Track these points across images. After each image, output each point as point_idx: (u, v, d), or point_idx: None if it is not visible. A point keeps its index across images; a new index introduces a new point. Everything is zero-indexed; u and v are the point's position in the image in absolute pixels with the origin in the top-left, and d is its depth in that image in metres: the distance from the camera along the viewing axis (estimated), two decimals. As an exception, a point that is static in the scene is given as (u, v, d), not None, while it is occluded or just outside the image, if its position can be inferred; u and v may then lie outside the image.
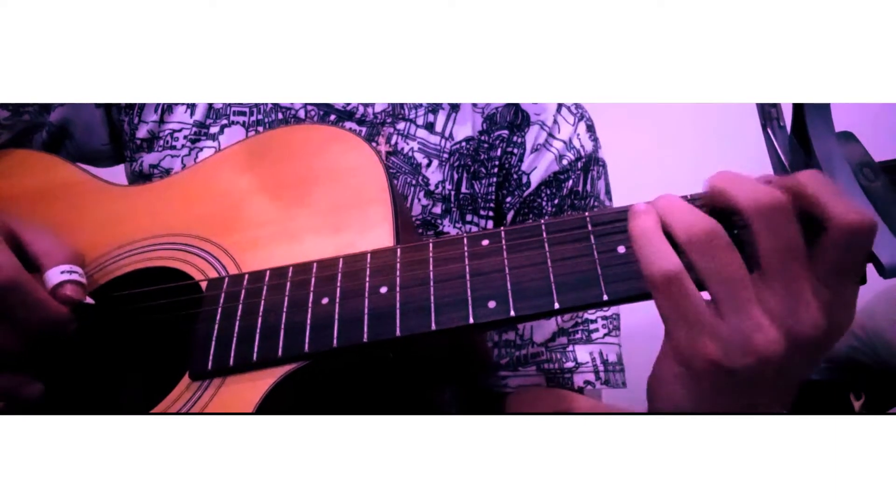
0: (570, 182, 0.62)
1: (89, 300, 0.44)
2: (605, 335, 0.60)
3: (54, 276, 0.42)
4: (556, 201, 0.61)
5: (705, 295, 0.32)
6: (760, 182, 0.32)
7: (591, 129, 0.65)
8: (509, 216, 0.62)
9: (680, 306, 0.32)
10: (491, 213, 0.61)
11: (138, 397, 0.50)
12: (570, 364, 0.59)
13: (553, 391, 0.59)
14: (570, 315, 0.59)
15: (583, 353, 0.59)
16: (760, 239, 0.31)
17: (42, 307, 0.41)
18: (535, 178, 0.61)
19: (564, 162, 0.62)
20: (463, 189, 0.60)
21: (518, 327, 0.60)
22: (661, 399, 0.34)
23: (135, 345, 0.49)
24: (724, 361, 0.31)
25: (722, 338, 0.31)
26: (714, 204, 0.33)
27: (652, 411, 0.35)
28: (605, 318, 0.61)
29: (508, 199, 0.61)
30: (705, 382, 0.32)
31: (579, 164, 0.62)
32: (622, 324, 0.63)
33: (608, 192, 0.66)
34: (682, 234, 0.32)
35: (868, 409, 1.14)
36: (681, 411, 0.33)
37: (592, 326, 0.60)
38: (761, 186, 0.31)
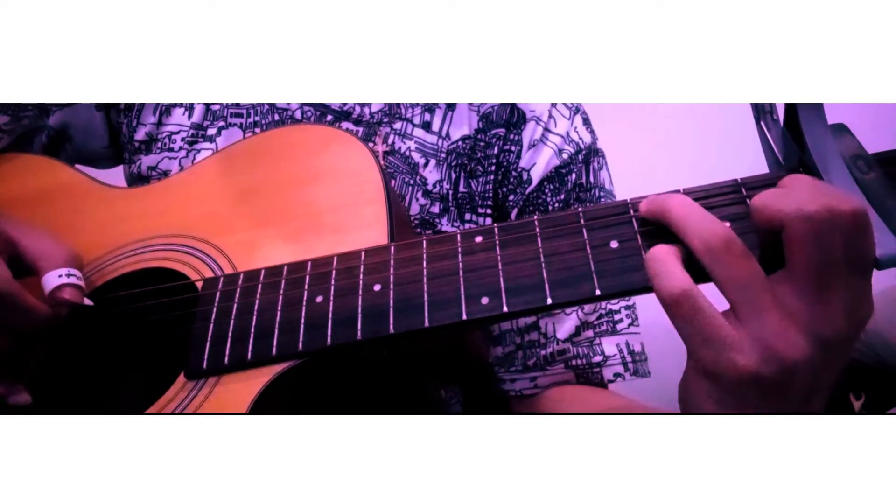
0: (574, 175, 0.61)
1: (88, 302, 0.44)
2: (630, 325, 0.60)
3: (52, 279, 0.42)
4: (561, 196, 0.61)
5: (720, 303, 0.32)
6: (795, 192, 0.32)
7: (587, 121, 0.65)
8: (513, 214, 0.62)
9: (695, 324, 0.31)
10: (489, 211, 0.61)
11: (135, 397, 0.50)
12: (598, 358, 0.58)
13: (588, 390, 0.59)
14: (591, 307, 0.59)
15: (609, 345, 0.59)
16: (803, 248, 0.30)
17: (32, 314, 0.42)
18: (536, 174, 0.61)
19: (564, 156, 0.61)
20: (461, 188, 0.60)
21: (540, 325, 0.60)
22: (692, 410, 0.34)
23: (131, 345, 0.49)
24: (751, 372, 0.31)
25: (745, 348, 0.31)
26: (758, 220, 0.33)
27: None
28: (627, 307, 0.61)
29: (511, 198, 0.61)
30: (735, 395, 0.32)
31: (580, 157, 0.62)
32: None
33: (611, 182, 0.66)
34: (697, 242, 0.32)
35: (868, 409, 1.14)
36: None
37: (617, 317, 0.60)
38: (806, 198, 0.31)
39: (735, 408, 0.32)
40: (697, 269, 0.32)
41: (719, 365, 0.31)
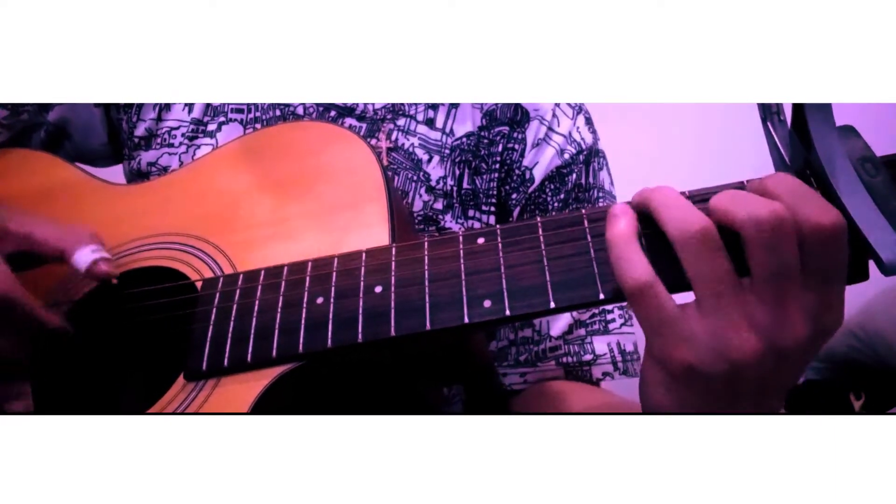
0: (574, 176, 0.62)
1: (114, 280, 0.45)
2: (623, 325, 0.60)
3: (85, 256, 0.42)
4: (561, 196, 0.62)
5: (680, 297, 0.32)
6: (755, 196, 0.31)
7: (589, 121, 0.65)
8: (515, 213, 0.62)
9: (652, 314, 0.32)
10: (493, 209, 0.61)
11: (134, 398, 0.50)
12: (588, 357, 0.59)
13: (575, 385, 0.59)
14: None
15: (601, 344, 0.59)
16: (756, 255, 0.30)
17: (36, 318, 0.41)
18: (538, 173, 0.61)
19: (566, 156, 0.62)
20: (464, 185, 0.60)
21: (534, 322, 0.60)
22: (648, 402, 0.35)
23: (131, 345, 0.49)
24: (697, 365, 0.31)
25: (696, 341, 0.31)
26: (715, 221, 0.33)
27: (641, 404, 0.36)
28: (621, 307, 0.61)
29: (514, 196, 0.62)
30: (683, 386, 0.32)
31: (581, 158, 0.62)
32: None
33: (612, 183, 0.66)
34: (674, 230, 0.32)
35: (868, 409, 1.14)
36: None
37: (609, 317, 0.60)
38: (760, 202, 0.31)
39: (684, 399, 0.33)
40: (660, 254, 0.32)
41: (666, 353, 0.32)
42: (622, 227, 0.33)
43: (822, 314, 0.31)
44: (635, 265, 0.32)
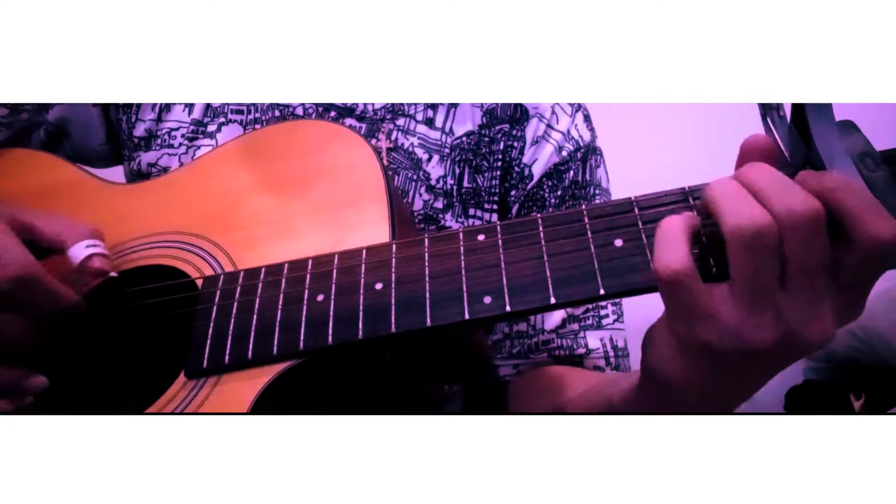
0: (571, 173, 0.62)
1: (114, 273, 0.45)
2: (615, 321, 0.61)
3: (79, 250, 0.43)
4: (558, 192, 0.62)
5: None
6: (793, 184, 0.31)
7: (587, 119, 0.66)
8: (514, 209, 0.62)
9: (681, 302, 0.32)
10: (495, 207, 0.62)
11: (135, 396, 0.50)
12: (581, 350, 0.59)
13: (553, 368, 0.59)
14: None
15: (593, 339, 0.60)
16: (788, 250, 0.30)
17: (56, 297, 0.42)
18: (537, 170, 0.62)
19: (564, 153, 0.62)
20: (465, 183, 0.61)
21: (529, 316, 0.60)
22: (650, 355, 0.35)
23: (131, 343, 0.49)
24: (715, 344, 0.31)
25: (720, 323, 0.31)
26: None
27: (642, 365, 0.36)
28: (614, 303, 0.61)
29: (513, 193, 0.62)
30: (692, 357, 0.33)
31: (578, 155, 0.63)
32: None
33: (608, 180, 0.66)
34: (727, 224, 0.31)
35: (868, 409, 1.15)
36: (665, 379, 0.34)
37: (603, 312, 0.61)
38: (797, 192, 0.30)
39: (686, 366, 0.33)
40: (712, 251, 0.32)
41: (690, 333, 0.32)
42: (678, 217, 0.32)
43: (846, 315, 0.31)
44: (674, 252, 0.31)
